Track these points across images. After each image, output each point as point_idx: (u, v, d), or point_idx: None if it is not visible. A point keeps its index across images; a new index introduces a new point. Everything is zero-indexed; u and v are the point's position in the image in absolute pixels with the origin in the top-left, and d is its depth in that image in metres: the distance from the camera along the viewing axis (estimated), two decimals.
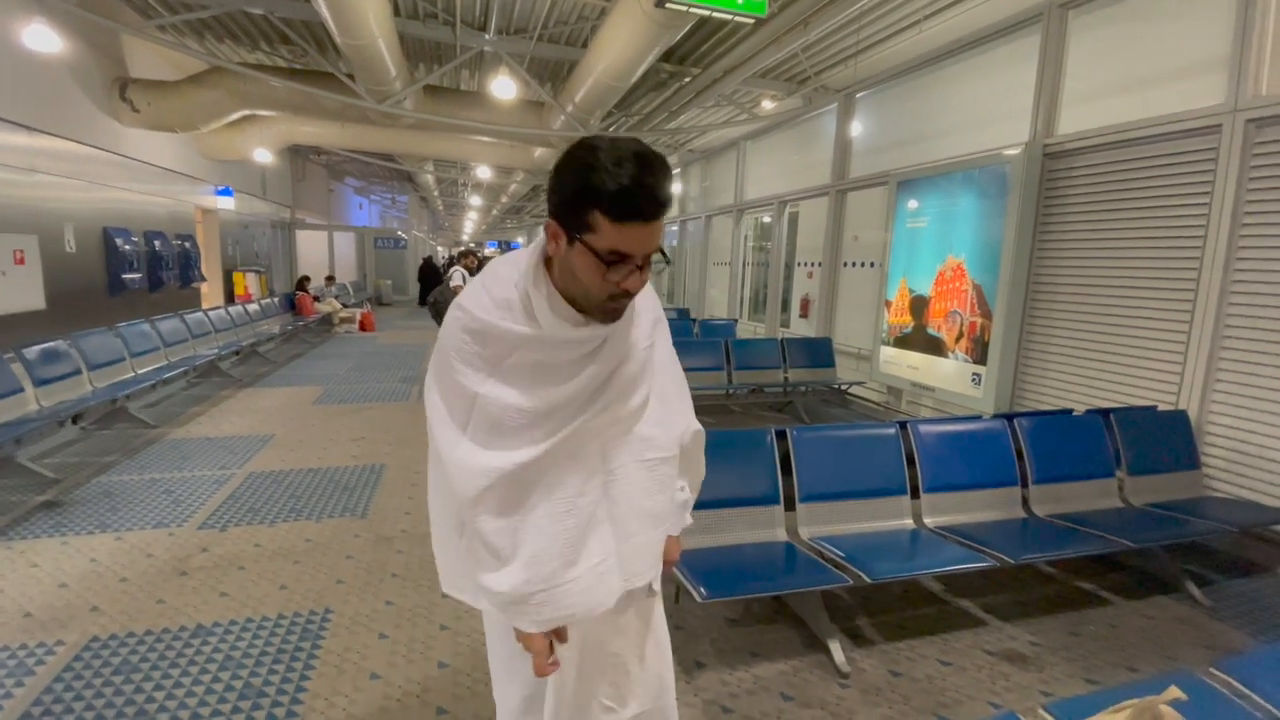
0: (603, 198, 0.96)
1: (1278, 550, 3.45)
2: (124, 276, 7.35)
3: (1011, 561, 2.55)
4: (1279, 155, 3.43)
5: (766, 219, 9.67)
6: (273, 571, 3.04)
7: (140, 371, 5.81)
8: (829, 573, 2.40)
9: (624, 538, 1.19)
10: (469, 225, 35.86)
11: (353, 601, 2.80)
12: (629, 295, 1.06)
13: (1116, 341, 4.30)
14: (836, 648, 2.49)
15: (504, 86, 6.88)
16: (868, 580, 2.33)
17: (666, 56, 7.17)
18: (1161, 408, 3.86)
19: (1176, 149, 3.90)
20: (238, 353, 7.93)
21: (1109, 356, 4.35)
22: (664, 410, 1.26)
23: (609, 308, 1.07)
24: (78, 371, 5.05)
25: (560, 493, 1.13)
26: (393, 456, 4.85)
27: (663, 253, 1.07)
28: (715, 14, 3.91)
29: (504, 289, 1.10)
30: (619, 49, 5.53)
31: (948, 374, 5.47)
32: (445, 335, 1.13)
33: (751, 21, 4.08)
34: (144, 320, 6.38)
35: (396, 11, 6.31)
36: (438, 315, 7.51)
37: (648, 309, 1.23)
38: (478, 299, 1.10)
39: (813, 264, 8.24)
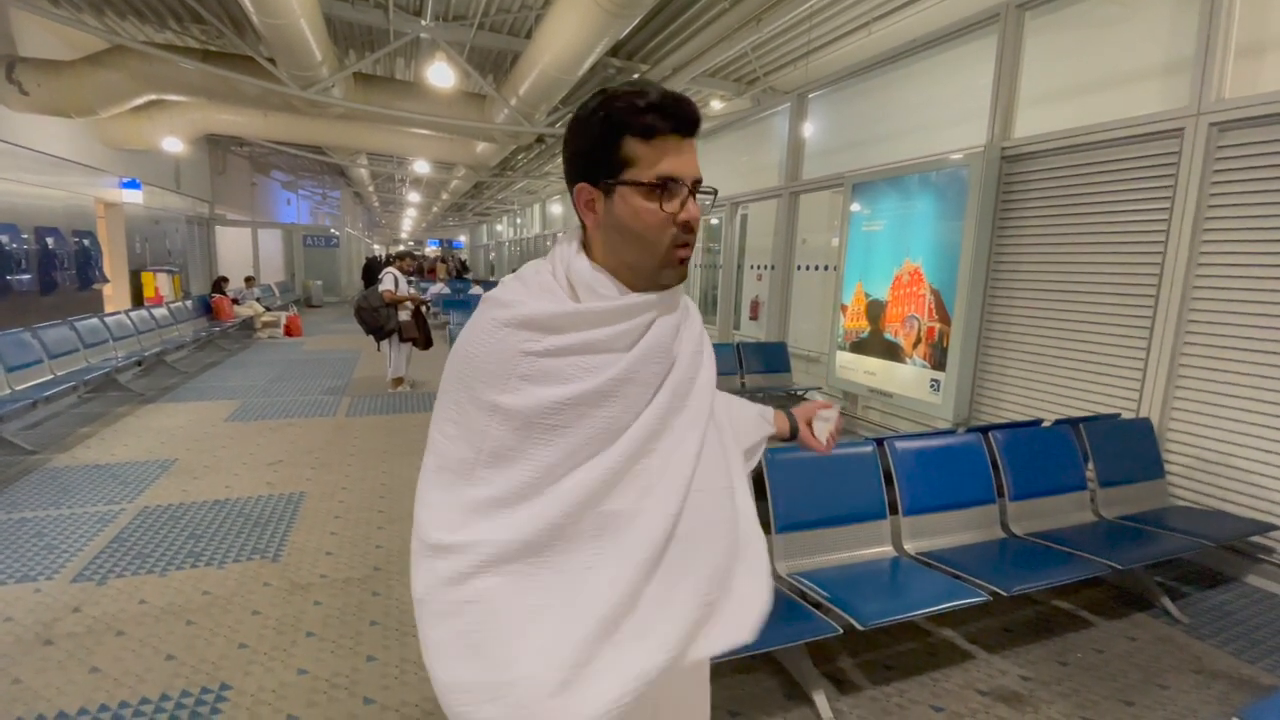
0: (633, 117, 0.87)
1: (1241, 559, 3.42)
2: (10, 278, 6.55)
3: (1005, 594, 2.36)
4: (1242, 159, 3.39)
5: (715, 221, 9.49)
6: (159, 636, 2.55)
7: (17, 388, 5.07)
8: (814, 619, 2.14)
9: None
10: (407, 223, 34.64)
11: (256, 673, 2.34)
12: (691, 234, 0.91)
13: (1076, 347, 4.24)
14: (822, 699, 2.23)
15: (441, 73, 6.42)
16: (858, 626, 2.07)
17: (614, 51, 6.88)
18: (1124, 415, 3.80)
19: (1138, 152, 3.85)
20: (140, 363, 7.13)
21: (1069, 362, 4.29)
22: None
23: (676, 258, 0.91)
24: None
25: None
26: (314, 482, 4.33)
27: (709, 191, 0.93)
28: None
29: (540, 277, 0.94)
30: (566, 39, 5.22)
31: (906, 380, 5.36)
32: (468, 343, 0.91)
33: None
34: (23, 329, 5.61)
35: None
36: (362, 319, 6.97)
37: (693, 306, 1.04)
38: (512, 290, 0.93)
39: (762, 267, 8.11)
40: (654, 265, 0.91)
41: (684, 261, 0.92)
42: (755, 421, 1.25)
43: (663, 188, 0.88)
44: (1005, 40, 4.68)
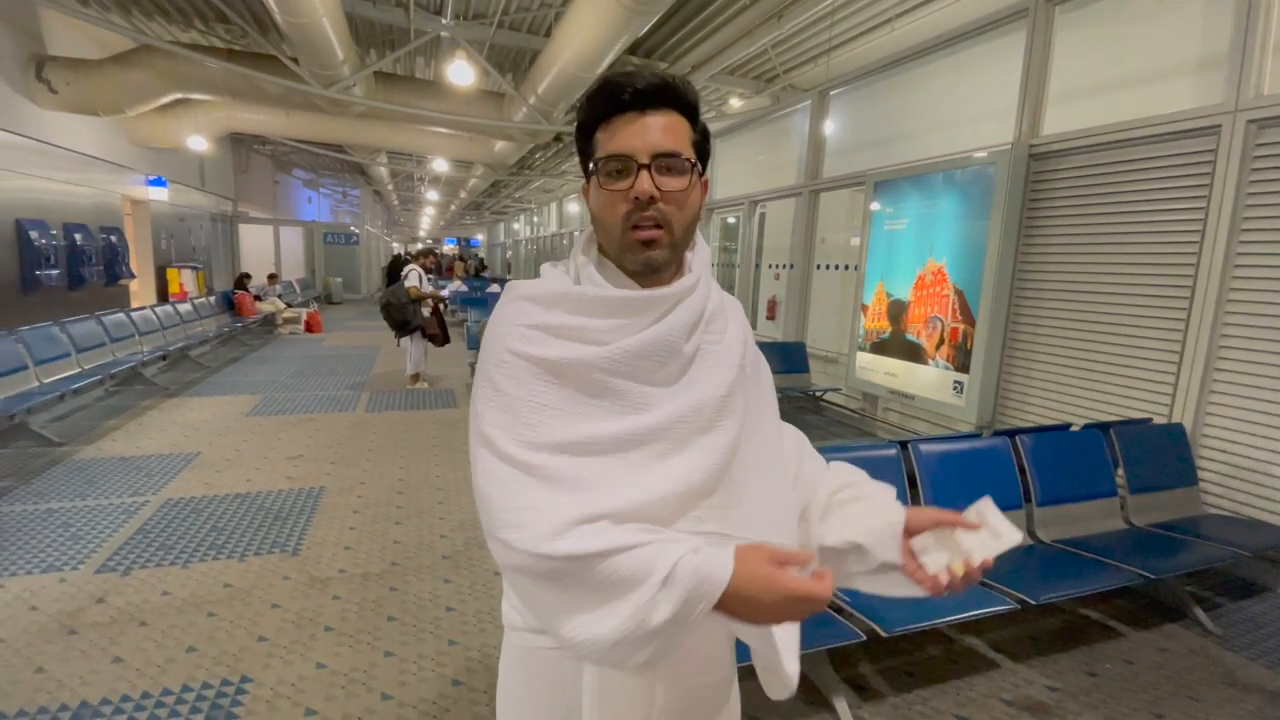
0: (590, 107, 0.88)
1: (1277, 569, 3.31)
2: (39, 273, 6.67)
3: (1033, 603, 2.30)
4: None
5: (732, 219, 9.44)
6: (181, 627, 2.57)
7: (46, 381, 5.17)
8: (836, 624, 2.10)
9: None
10: (425, 221, 34.89)
11: (276, 666, 2.36)
12: (647, 212, 0.84)
13: (1106, 350, 4.14)
14: (843, 706, 2.19)
15: (460, 71, 6.44)
16: (883, 634, 2.03)
17: (633, 49, 6.85)
18: (1156, 420, 3.71)
19: (1172, 150, 3.74)
20: (164, 357, 7.24)
21: (1097, 365, 4.19)
22: (773, 502, 0.89)
23: (634, 240, 0.85)
24: None
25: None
26: (333, 477, 4.36)
27: (692, 162, 0.86)
28: None
29: (554, 269, 0.94)
30: (585, 36, 5.20)
31: (928, 382, 5.27)
32: (495, 321, 0.90)
33: None
34: (51, 323, 5.71)
35: None
36: (389, 315, 7.06)
37: (737, 312, 0.96)
38: (528, 281, 0.93)
39: (780, 266, 8.04)
40: (616, 250, 0.88)
41: (647, 244, 0.85)
42: (876, 525, 0.91)
43: (601, 167, 0.85)
44: (1034, 35, 4.59)
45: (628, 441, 0.81)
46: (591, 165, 0.88)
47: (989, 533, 0.81)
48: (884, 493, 0.97)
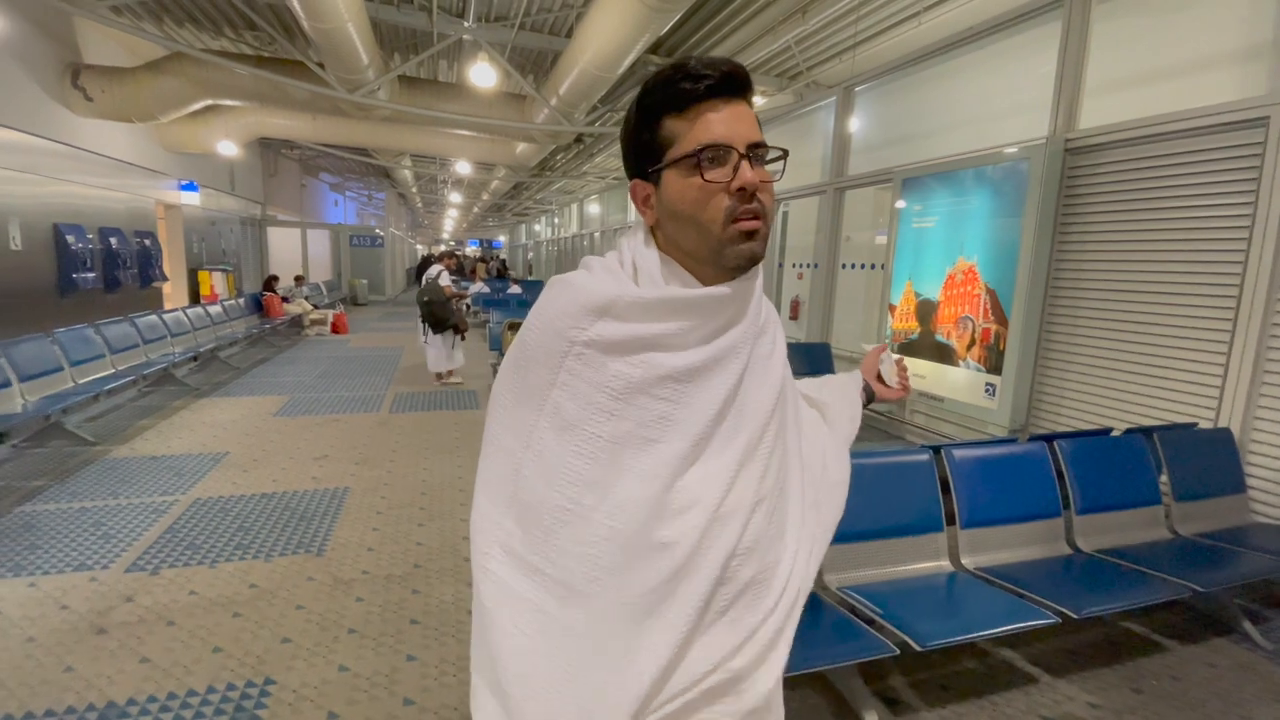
0: (665, 93, 0.80)
1: None
2: (76, 276, 6.84)
3: (1075, 616, 2.20)
4: None
5: None
6: (207, 628, 2.59)
7: (80, 382, 5.29)
8: (867, 637, 2.03)
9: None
10: (449, 224, 35.24)
11: (299, 668, 2.35)
12: (755, 203, 0.79)
13: (1148, 352, 3.99)
14: None
15: (483, 73, 6.46)
16: (916, 647, 1.96)
17: (654, 49, 6.81)
18: (1201, 424, 3.56)
19: (1216, 143, 3.59)
20: (195, 358, 7.38)
21: (1139, 367, 4.04)
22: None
23: (739, 232, 0.79)
24: (7, 384, 4.53)
25: None
26: (358, 478, 4.39)
27: (782, 151, 0.83)
28: None
29: (606, 261, 0.88)
30: (606, 36, 5.18)
31: (959, 384, 5.14)
32: (525, 327, 0.85)
33: None
34: (87, 325, 5.85)
35: None
36: (431, 313, 7.21)
37: (778, 322, 0.96)
38: (577, 275, 0.85)
39: (804, 265, 7.93)
40: (714, 246, 0.80)
41: (751, 235, 0.79)
42: (850, 402, 1.21)
43: (703, 157, 0.78)
44: (1070, 26, 4.44)
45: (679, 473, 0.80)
46: (669, 156, 0.81)
47: (886, 354, 1.27)
48: (835, 383, 1.22)
